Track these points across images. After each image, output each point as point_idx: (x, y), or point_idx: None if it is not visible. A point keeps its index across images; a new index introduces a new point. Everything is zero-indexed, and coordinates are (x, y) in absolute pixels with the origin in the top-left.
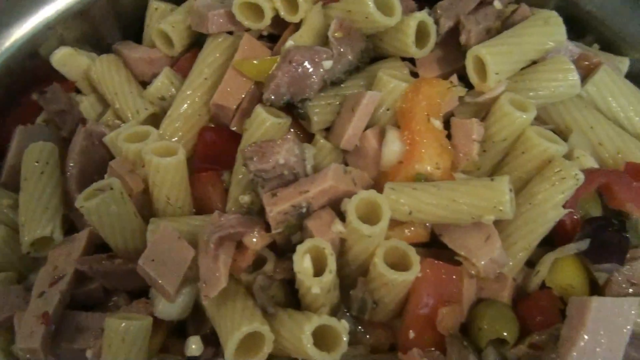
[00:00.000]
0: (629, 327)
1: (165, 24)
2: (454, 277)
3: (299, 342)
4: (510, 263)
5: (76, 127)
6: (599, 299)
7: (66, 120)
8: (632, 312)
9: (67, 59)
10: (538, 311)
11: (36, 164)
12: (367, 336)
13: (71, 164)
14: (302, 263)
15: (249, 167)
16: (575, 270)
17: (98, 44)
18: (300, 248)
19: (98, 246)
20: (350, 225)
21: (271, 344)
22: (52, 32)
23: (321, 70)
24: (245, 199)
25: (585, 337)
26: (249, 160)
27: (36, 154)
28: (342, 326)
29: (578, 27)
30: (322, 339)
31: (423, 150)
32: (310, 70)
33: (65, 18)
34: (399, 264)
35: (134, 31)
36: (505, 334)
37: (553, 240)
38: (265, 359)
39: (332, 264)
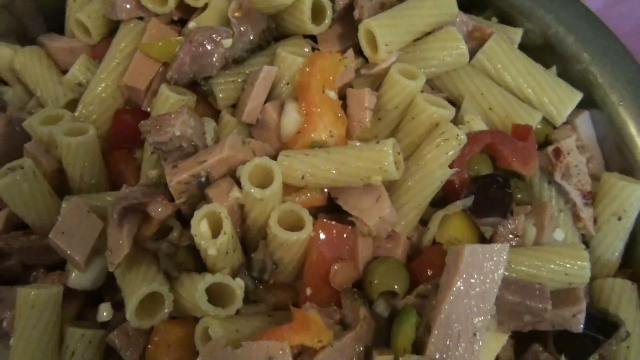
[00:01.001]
0: (500, 271)
1: (81, 13)
2: (346, 236)
3: (195, 300)
4: (402, 222)
5: None
6: (471, 246)
7: None
8: (503, 256)
9: None
10: (428, 265)
11: None
12: (269, 295)
13: None
14: (199, 227)
15: (147, 140)
16: (462, 225)
17: (23, 37)
18: (197, 213)
19: (18, 225)
20: (244, 190)
21: (171, 304)
22: None
23: (221, 48)
24: (153, 173)
25: (459, 282)
26: (147, 133)
27: None
28: (237, 284)
29: (478, 2)
30: (220, 297)
31: (318, 120)
32: (211, 49)
33: None
34: (295, 226)
35: (58, 24)
36: (395, 287)
37: (446, 201)
38: (166, 318)
39: (227, 226)
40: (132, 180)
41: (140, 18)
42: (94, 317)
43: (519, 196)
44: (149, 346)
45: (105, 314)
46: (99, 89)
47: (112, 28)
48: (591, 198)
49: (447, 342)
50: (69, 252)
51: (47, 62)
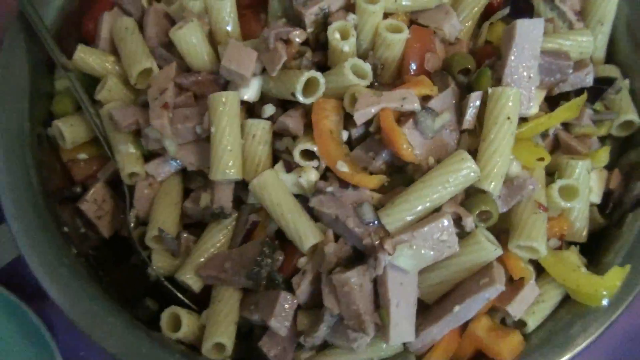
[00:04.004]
0: (541, 36)
1: None
2: (430, 37)
3: (342, 76)
4: (464, 29)
5: None
6: (522, 20)
7: None
8: (542, 25)
9: None
10: (485, 54)
11: (126, 29)
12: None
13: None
14: (334, 35)
15: None
16: (504, 26)
17: None
18: (331, 27)
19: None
20: (359, 8)
21: (324, 85)
22: None
23: None
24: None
25: (517, 42)
26: None
27: (122, 27)
28: (367, 66)
29: None
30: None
31: None
32: None
33: None
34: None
35: None
36: (468, 65)
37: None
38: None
39: (353, 32)
40: None
41: None
42: None
43: None
44: (312, 114)
45: (268, 109)
46: None
47: None
48: (580, 15)
49: (514, 82)
50: (238, 71)
51: None
